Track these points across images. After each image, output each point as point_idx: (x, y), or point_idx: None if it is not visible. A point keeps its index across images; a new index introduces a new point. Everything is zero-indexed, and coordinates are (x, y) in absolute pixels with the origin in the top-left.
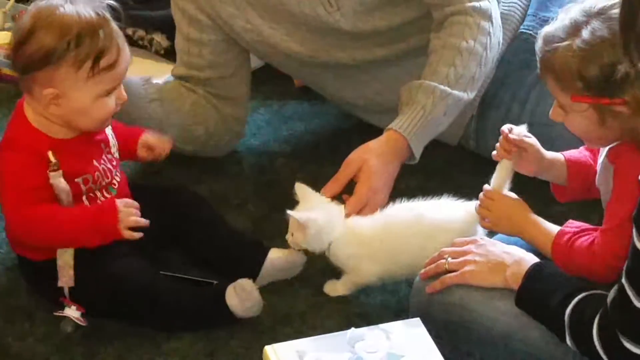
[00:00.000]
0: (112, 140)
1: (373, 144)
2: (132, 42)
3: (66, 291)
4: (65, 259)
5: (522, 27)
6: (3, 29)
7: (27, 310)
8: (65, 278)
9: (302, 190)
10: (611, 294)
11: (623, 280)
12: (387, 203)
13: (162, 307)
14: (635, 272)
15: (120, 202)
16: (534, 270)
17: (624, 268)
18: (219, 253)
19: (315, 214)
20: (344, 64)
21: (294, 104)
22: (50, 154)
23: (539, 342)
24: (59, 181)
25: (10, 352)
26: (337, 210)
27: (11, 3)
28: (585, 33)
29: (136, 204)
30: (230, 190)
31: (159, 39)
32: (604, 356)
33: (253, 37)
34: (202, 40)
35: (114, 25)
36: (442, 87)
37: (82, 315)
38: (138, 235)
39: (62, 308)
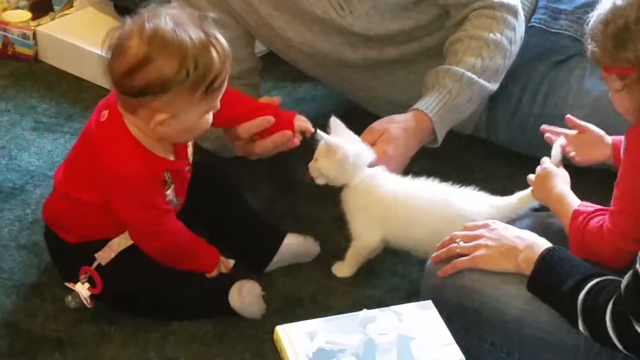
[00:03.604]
0: (191, 149)
1: (399, 117)
2: None
3: (95, 264)
4: (119, 242)
5: (533, 19)
6: (17, 7)
7: (39, 288)
8: (105, 254)
9: (336, 124)
10: (625, 279)
11: (638, 266)
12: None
13: (164, 303)
14: None
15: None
16: (546, 255)
17: (639, 253)
18: (235, 234)
19: (346, 143)
20: (357, 65)
21: (307, 86)
22: (166, 174)
23: (550, 326)
24: (173, 196)
25: (21, 329)
26: (367, 150)
27: None
28: (606, 4)
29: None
30: (243, 171)
31: None
32: (616, 342)
33: (268, 32)
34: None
35: (222, 40)
36: (469, 74)
37: (91, 297)
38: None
39: (76, 282)
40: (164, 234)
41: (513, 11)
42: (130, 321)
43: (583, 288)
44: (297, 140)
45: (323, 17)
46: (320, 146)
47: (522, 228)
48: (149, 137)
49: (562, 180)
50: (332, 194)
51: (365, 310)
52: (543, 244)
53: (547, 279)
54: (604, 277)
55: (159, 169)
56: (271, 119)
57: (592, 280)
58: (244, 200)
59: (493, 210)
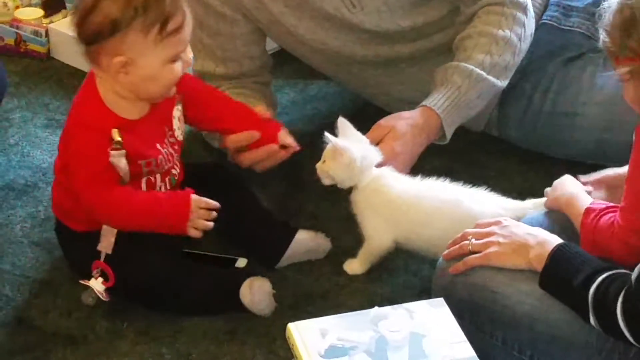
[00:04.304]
0: (177, 123)
1: (407, 114)
2: None
3: (103, 256)
4: (107, 226)
5: (544, 16)
6: (30, 5)
7: (51, 285)
8: (105, 243)
9: (344, 125)
10: (636, 271)
11: None
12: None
13: (176, 297)
14: None
15: (195, 201)
16: (557, 251)
17: None
18: (247, 231)
19: (353, 146)
20: (367, 62)
21: (319, 83)
22: (114, 132)
23: (562, 324)
24: (119, 160)
25: (33, 326)
26: (374, 152)
27: None
28: None
29: (214, 204)
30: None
31: None
32: (628, 335)
33: (279, 29)
34: (233, 34)
35: None
36: (478, 70)
37: (107, 290)
38: (199, 235)
39: (89, 278)
40: (109, 205)
41: (522, 8)
42: (143, 318)
43: (594, 282)
44: (284, 154)
45: (334, 13)
46: (328, 148)
47: (536, 222)
48: (120, 96)
49: (571, 185)
50: (343, 192)
51: (376, 307)
52: (554, 240)
53: (558, 274)
54: (614, 271)
55: (105, 124)
56: (256, 134)
57: (602, 274)
58: (255, 198)
59: (504, 212)
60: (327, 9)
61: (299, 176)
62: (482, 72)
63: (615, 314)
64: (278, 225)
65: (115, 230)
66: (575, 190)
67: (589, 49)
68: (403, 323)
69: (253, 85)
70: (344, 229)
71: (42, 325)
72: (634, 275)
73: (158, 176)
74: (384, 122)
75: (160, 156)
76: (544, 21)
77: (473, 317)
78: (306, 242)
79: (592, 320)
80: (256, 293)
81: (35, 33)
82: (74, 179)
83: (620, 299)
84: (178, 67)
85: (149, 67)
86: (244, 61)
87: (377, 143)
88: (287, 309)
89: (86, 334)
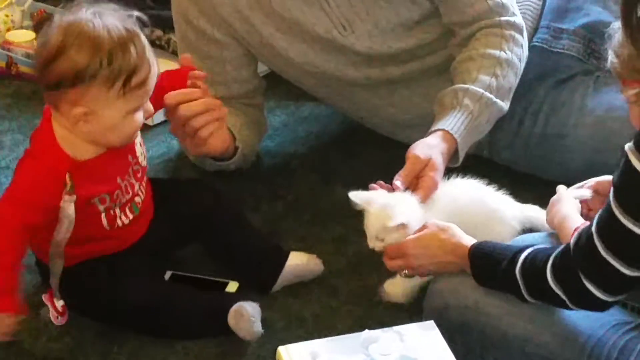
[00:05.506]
0: (140, 149)
1: (433, 140)
2: (149, 42)
3: (55, 288)
4: (55, 270)
5: (535, 38)
6: (21, 27)
7: (41, 308)
8: (53, 283)
9: (360, 195)
10: (575, 236)
11: (593, 229)
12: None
13: (165, 322)
14: (606, 228)
15: (2, 318)
16: (474, 251)
17: (595, 219)
18: (239, 254)
19: (409, 211)
20: (359, 84)
21: (311, 105)
22: (67, 177)
23: (554, 346)
24: (68, 206)
25: (24, 349)
26: (413, 198)
27: (30, 1)
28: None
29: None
30: (245, 191)
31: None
32: (563, 296)
33: (270, 52)
34: (224, 58)
35: (144, 39)
36: (487, 94)
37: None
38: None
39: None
40: None
41: (519, 29)
42: (134, 341)
43: (518, 261)
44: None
45: (325, 36)
46: (382, 227)
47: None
48: (79, 137)
49: (568, 205)
50: (334, 214)
51: (367, 330)
52: (464, 242)
53: (484, 271)
54: (535, 247)
55: (59, 167)
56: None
57: (523, 252)
58: (245, 221)
59: (522, 217)
60: (318, 31)
61: (291, 198)
62: (491, 96)
63: (546, 281)
64: (269, 251)
65: (59, 274)
66: (567, 212)
67: (579, 71)
68: (393, 346)
69: (241, 106)
70: (335, 251)
71: (33, 349)
72: (572, 239)
73: (117, 210)
74: (421, 154)
75: (117, 190)
76: (534, 43)
77: (464, 340)
78: (298, 267)
79: (525, 295)
80: (240, 320)
81: (27, 55)
82: (1, 199)
83: (549, 265)
84: (139, 117)
85: (109, 119)
86: (233, 85)
87: (416, 175)
88: (278, 331)
89: (77, 358)
